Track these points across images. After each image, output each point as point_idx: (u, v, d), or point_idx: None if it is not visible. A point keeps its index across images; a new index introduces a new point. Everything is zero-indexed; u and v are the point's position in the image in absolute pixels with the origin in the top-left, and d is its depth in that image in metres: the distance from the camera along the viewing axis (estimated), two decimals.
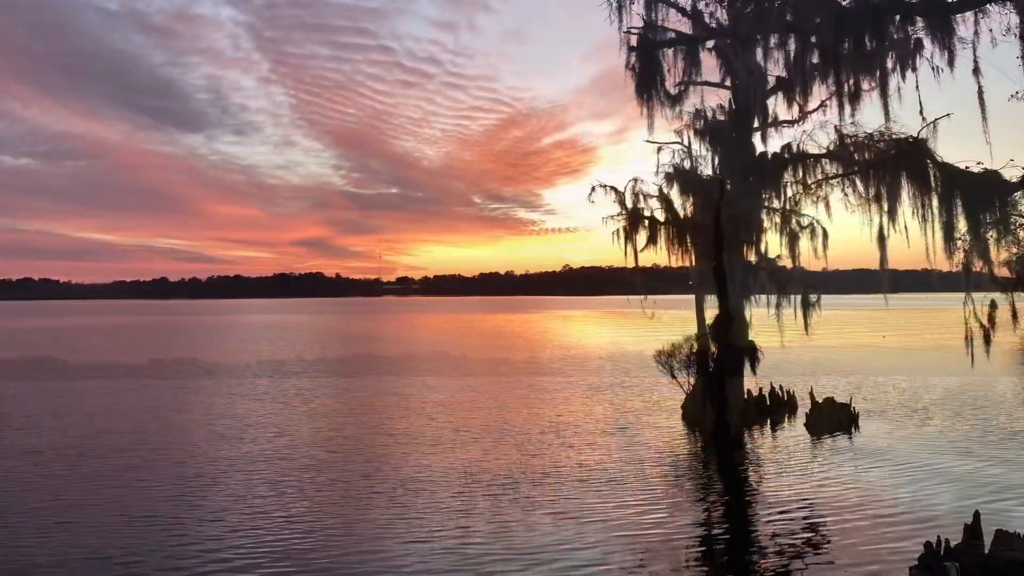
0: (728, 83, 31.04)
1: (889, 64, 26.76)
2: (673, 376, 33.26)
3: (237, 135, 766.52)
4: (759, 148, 30.59)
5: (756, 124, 30.58)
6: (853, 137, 28.01)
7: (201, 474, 22.49)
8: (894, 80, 26.74)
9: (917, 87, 26.27)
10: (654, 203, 32.35)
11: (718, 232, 29.57)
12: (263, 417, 32.27)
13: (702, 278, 31.48)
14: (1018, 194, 24.98)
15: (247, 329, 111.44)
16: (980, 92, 24.95)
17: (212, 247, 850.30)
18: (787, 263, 30.53)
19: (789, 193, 29.90)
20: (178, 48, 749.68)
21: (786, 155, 29.81)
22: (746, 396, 31.68)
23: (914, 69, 26.55)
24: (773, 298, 31.02)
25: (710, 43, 30.96)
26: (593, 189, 32.62)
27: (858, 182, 27.76)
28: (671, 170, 31.77)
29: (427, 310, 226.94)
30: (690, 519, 18.31)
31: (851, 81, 27.49)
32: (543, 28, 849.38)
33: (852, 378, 44.28)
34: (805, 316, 30.85)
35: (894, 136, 27.01)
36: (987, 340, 25.77)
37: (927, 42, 26.37)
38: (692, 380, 32.26)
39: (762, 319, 31.57)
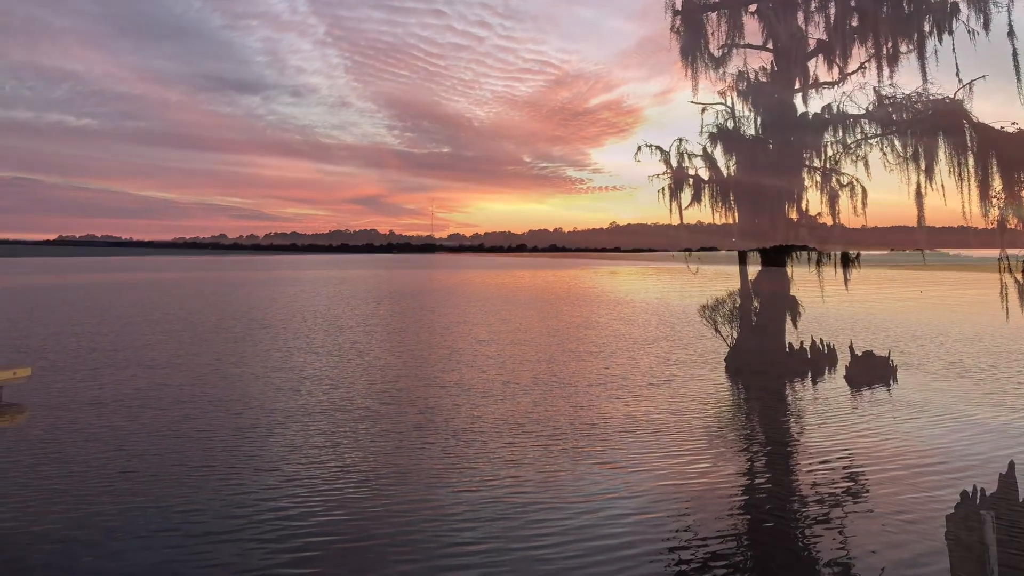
0: (770, 46, 31.42)
1: (926, 27, 27.16)
2: (717, 330, 33.96)
3: (294, 96, 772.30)
4: (800, 109, 31.09)
5: (797, 85, 30.99)
6: (891, 98, 28.41)
7: (258, 425, 23.09)
8: (931, 43, 27.21)
9: (953, 49, 26.72)
10: (698, 162, 32.86)
11: (760, 190, 30.10)
12: (319, 370, 32.94)
13: (745, 235, 31.96)
14: None
15: (303, 284, 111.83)
16: (1015, 54, 25.29)
17: (269, 205, 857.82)
18: (827, 220, 31.03)
19: (829, 152, 30.43)
20: (237, 12, 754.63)
21: (826, 115, 30.27)
22: (787, 349, 32.32)
23: (950, 32, 26.92)
24: (814, 254, 31.64)
25: (752, 7, 31.38)
26: (639, 149, 33.07)
27: (896, 142, 28.17)
28: (715, 130, 32.25)
29: (478, 266, 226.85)
30: (733, 468, 18.81)
31: (889, 44, 27.88)
32: None
33: (890, 332, 44.68)
34: (844, 272, 31.42)
35: (931, 97, 27.44)
36: (1022, 295, 26.18)
37: (963, 6, 26.81)
38: (735, 334, 32.91)
39: (803, 275, 32.13)
